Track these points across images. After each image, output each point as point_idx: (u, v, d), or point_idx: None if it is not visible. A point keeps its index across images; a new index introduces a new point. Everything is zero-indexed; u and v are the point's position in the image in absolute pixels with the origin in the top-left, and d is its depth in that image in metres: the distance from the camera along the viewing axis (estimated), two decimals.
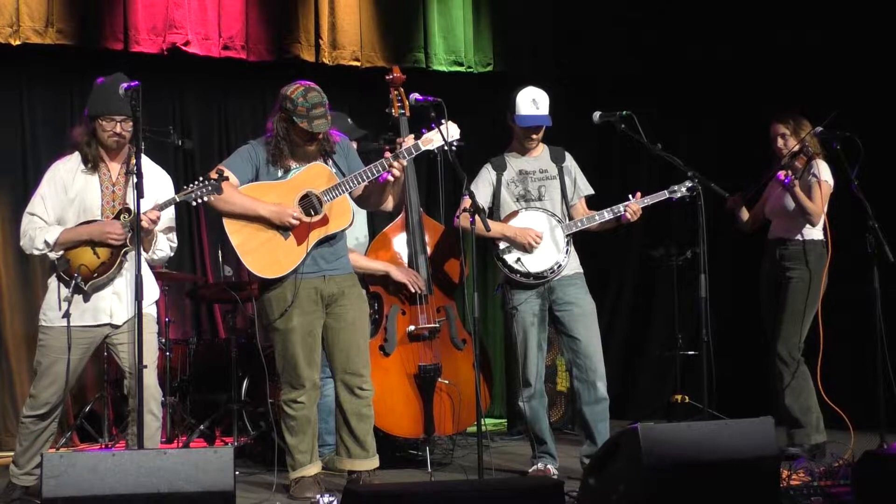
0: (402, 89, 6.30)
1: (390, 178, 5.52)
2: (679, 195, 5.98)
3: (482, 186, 6.16)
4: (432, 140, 5.65)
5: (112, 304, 5.36)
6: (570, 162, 6.25)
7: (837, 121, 6.24)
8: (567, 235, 6.07)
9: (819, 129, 6.36)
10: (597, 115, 6.09)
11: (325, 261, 5.61)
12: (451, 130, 5.60)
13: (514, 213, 6.11)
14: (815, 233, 6.49)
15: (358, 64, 8.19)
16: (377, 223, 6.92)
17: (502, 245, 6.06)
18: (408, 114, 6.26)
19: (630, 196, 6.05)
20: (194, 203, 5.21)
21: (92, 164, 5.37)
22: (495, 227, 5.99)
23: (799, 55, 8.14)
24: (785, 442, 6.31)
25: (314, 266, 5.59)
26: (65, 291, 5.26)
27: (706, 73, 8.72)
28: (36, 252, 5.37)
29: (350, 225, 5.68)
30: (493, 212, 6.16)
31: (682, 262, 7.98)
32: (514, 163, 6.19)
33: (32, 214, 5.41)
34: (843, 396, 6.49)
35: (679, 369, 7.96)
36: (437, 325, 6.44)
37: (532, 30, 8.77)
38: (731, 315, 8.09)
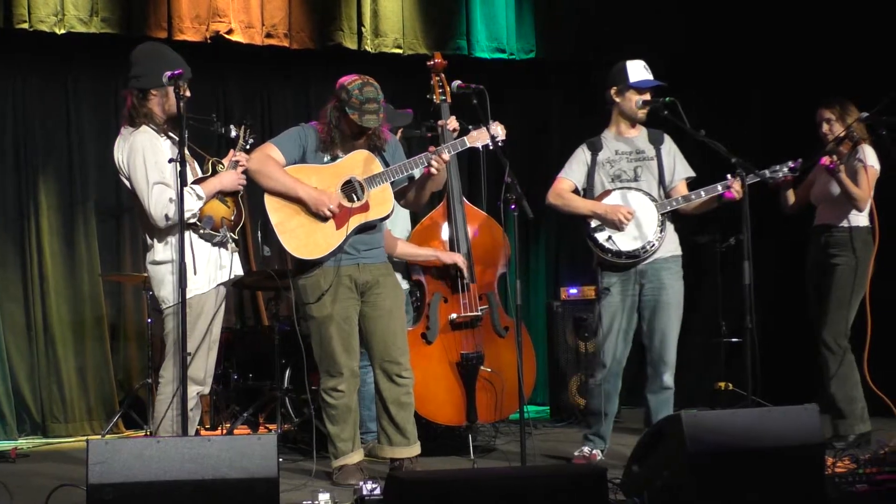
0: (443, 75, 6.30)
1: (433, 171, 5.52)
2: (782, 172, 5.95)
3: (576, 166, 6.10)
4: (477, 139, 5.68)
5: (234, 256, 5.30)
6: (669, 144, 6.13)
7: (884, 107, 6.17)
8: (662, 215, 5.97)
9: (865, 114, 6.29)
10: (640, 100, 6.04)
11: (359, 249, 5.61)
12: (497, 130, 5.61)
13: (607, 193, 6.02)
14: (861, 219, 6.42)
15: (400, 51, 8.19)
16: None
17: (593, 223, 5.98)
18: (449, 100, 6.26)
19: (728, 176, 5.88)
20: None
21: (164, 133, 5.18)
22: (586, 205, 5.96)
23: (845, 41, 8.05)
24: (829, 432, 6.26)
25: (349, 253, 5.58)
26: (207, 252, 5.16)
27: (751, 59, 8.64)
28: (188, 213, 5.00)
29: (390, 214, 5.68)
30: (587, 192, 6.08)
31: (725, 249, 7.91)
32: (611, 144, 6.10)
33: (159, 183, 5.05)
34: (890, 384, 6.43)
35: (723, 356, 7.91)
36: (480, 314, 6.42)
37: (575, 17, 8.72)
38: (775, 302, 8.02)
